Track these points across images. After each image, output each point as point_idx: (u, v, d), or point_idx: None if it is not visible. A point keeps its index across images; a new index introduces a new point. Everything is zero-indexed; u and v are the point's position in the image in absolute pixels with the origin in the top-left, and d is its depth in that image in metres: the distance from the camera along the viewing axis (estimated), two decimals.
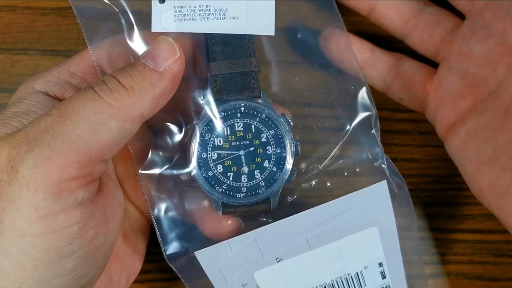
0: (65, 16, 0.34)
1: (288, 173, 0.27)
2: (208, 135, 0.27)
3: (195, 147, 0.27)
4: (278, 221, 0.27)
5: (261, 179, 0.27)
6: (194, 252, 0.27)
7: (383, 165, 0.29)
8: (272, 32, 0.28)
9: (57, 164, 0.22)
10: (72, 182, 0.23)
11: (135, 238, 0.32)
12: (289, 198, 0.29)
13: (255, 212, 0.28)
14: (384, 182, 0.27)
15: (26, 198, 0.22)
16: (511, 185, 0.27)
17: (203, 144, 0.27)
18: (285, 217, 0.27)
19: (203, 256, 0.27)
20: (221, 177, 0.27)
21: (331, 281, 0.29)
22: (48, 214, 0.22)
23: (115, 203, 0.27)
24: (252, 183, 0.27)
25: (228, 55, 0.27)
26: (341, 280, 0.29)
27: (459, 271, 0.35)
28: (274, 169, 0.27)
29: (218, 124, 0.27)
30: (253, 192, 0.27)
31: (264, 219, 0.29)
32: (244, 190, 0.27)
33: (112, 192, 0.27)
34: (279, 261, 0.28)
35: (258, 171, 0.27)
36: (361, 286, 0.30)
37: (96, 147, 0.23)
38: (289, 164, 0.27)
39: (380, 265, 0.29)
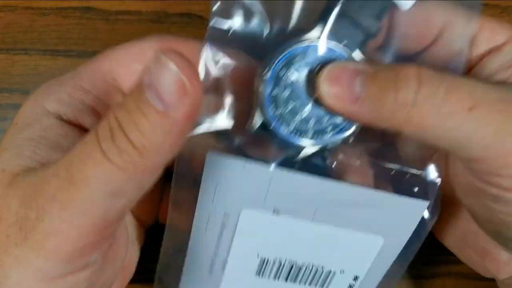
0: (65, 16, 0.34)
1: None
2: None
3: None
4: (304, 175, 0.25)
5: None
6: (208, 153, 0.24)
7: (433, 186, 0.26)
8: None
9: (69, 236, 0.21)
10: (85, 249, 0.21)
11: (131, 247, 0.31)
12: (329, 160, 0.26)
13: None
14: (426, 203, 0.25)
15: (35, 263, 0.21)
16: None
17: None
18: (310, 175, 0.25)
19: (212, 160, 0.24)
20: None
21: (302, 263, 0.28)
22: (57, 277, 0.21)
23: (124, 249, 0.25)
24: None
25: None
26: (311, 269, 0.28)
27: (459, 271, 0.35)
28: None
29: None
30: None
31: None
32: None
33: (122, 240, 0.25)
34: (274, 213, 0.26)
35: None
36: (322, 286, 0.28)
37: (113, 212, 0.21)
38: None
39: (355, 279, 0.28)
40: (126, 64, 0.26)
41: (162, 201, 0.31)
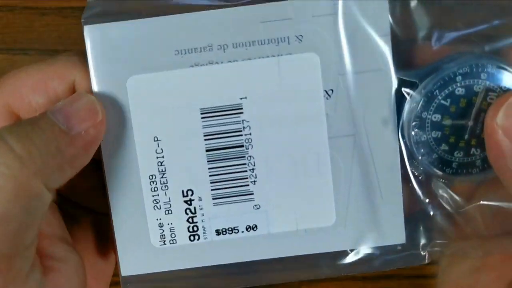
0: (65, 16, 0.34)
1: None
2: None
3: None
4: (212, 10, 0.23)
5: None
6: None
7: None
8: None
9: None
10: None
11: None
12: None
13: None
14: None
15: None
16: None
17: None
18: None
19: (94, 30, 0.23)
20: None
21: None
22: None
23: (72, 277, 0.24)
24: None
25: None
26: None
27: None
28: None
29: None
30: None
31: None
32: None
33: (64, 271, 0.23)
34: (192, 66, 0.23)
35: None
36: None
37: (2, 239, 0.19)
38: None
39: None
40: (23, 96, 0.24)
41: None
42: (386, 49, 0.24)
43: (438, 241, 0.25)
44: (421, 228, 0.26)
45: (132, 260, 0.25)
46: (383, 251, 0.25)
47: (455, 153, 0.24)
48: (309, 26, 0.24)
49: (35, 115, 0.22)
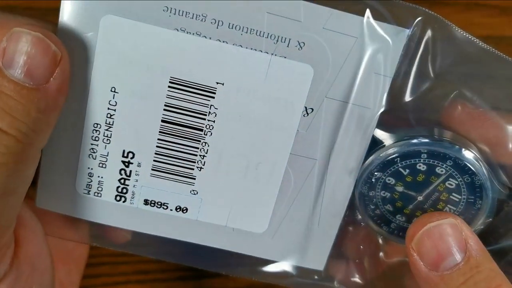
0: None
1: None
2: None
3: None
4: None
5: None
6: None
7: None
8: None
9: None
10: None
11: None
12: None
13: None
14: None
15: None
16: None
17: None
18: None
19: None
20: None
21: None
22: None
23: (47, 260, 0.23)
24: None
25: None
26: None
27: None
28: None
29: None
30: None
31: None
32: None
33: (38, 249, 0.23)
34: (178, 31, 0.21)
35: None
36: None
37: (3, 215, 0.19)
38: None
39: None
40: None
41: None
42: (382, 90, 0.22)
43: (353, 279, 0.26)
44: (344, 264, 0.26)
45: (51, 196, 0.24)
46: (300, 273, 0.25)
47: (397, 216, 0.24)
48: (315, 37, 0.21)
49: None
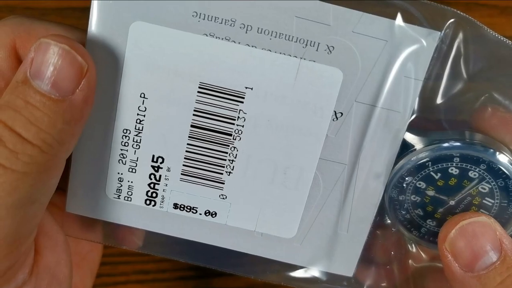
0: (65, 16, 0.32)
1: None
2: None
3: None
4: None
5: None
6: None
7: None
8: None
9: None
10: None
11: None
12: None
13: None
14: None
15: None
16: None
17: None
18: None
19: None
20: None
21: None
22: None
23: (65, 266, 0.23)
24: None
25: None
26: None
27: None
28: None
29: None
30: None
31: None
32: None
33: (58, 255, 0.23)
34: (207, 36, 0.21)
35: None
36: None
37: (26, 223, 0.19)
38: None
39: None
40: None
41: None
42: (413, 93, 0.22)
43: (383, 285, 0.25)
44: (373, 270, 0.25)
45: (81, 201, 0.24)
46: (329, 278, 0.25)
47: (428, 220, 0.24)
48: (344, 40, 0.21)
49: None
